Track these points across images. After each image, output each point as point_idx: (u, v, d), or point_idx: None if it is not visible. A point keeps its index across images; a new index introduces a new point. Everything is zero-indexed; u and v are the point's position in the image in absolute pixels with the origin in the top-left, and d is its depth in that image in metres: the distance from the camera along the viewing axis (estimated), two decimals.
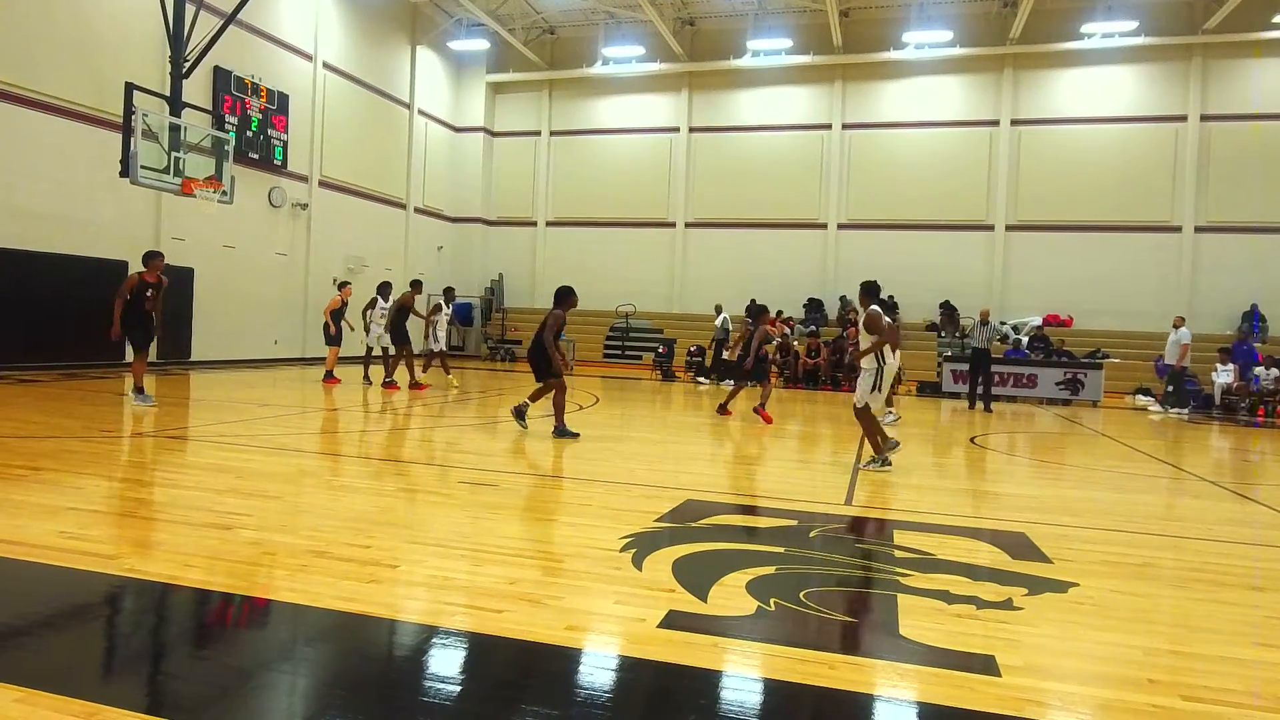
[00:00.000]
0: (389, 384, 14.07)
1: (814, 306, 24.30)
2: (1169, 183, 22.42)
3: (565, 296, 9.16)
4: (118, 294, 10.26)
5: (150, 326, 10.54)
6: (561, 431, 9.08)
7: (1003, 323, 22.21)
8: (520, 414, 9.46)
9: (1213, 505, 6.96)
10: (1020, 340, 21.19)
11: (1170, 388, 16.99)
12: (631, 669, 3.04)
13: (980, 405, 15.65)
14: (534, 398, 9.54)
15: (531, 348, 9.29)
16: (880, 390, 7.82)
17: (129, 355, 11.81)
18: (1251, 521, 6.32)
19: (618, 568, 4.17)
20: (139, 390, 10.36)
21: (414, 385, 13.94)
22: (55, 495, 5.29)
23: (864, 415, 7.88)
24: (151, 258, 10.55)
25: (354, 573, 3.93)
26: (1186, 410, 16.66)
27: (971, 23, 23.51)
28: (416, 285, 14.72)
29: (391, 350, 14.39)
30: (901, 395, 18.40)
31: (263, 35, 19.19)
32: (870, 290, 8.12)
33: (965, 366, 18.57)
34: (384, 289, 14.81)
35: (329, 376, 14.64)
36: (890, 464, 7.69)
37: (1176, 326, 16.78)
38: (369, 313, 14.65)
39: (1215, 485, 8.00)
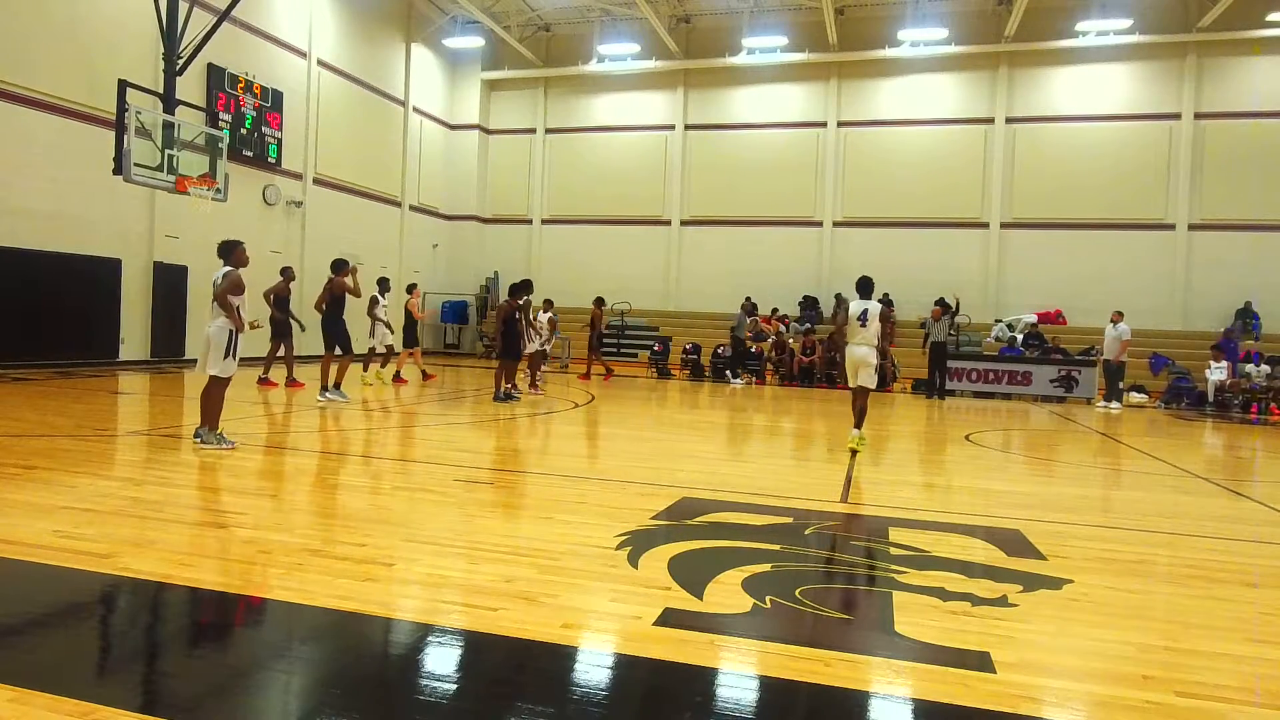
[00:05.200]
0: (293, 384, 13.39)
1: (809, 304, 24.30)
2: (1163, 180, 22.47)
3: (516, 289, 12.80)
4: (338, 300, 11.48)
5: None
6: (498, 397, 12.17)
7: (998, 320, 22.35)
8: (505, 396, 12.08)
9: (1207, 502, 6.98)
10: (1015, 338, 21.25)
11: (1119, 382, 17.16)
12: (627, 667, 3.04)
13: (937, 397, 17.00)
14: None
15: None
16: (233, 356, 7.21)
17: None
18: (1246, 518, 6.34)
19: (613, 565, 4.17)
20: (336, 386, 11.48)
21: (290, 383, 13.21)
22: (49, 494, 5.27)
23: (217, 386, 7.32)
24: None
25: (350, 571, 3.92)
26: (1118, 405, 16.79)
27: (966, 20, 23.52)
28: (287, 272, 13.67)
29: (380, 348, 14.28)
30: (896, 391, 18.47)
31: (257, 32, 19.12)
32: (223, 250, 7.49)
33: (960, 364, 18.81)
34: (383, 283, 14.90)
35: (397, 377, 15.14)
36: (229, 444, 7.15)
37: (1114, 322, 16.81)
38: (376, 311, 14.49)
39: (1209, 482, 8.03)
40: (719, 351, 21.19)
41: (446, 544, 4.50)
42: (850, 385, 9.09)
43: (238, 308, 7.27)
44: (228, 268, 7.37)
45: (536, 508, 5.67)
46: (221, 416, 7.33)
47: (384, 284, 14.44)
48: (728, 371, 20.05)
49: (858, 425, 8.79)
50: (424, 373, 15.61)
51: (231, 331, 7.22)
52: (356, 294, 11.57)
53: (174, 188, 13.57)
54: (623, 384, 15.18)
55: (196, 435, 7.29)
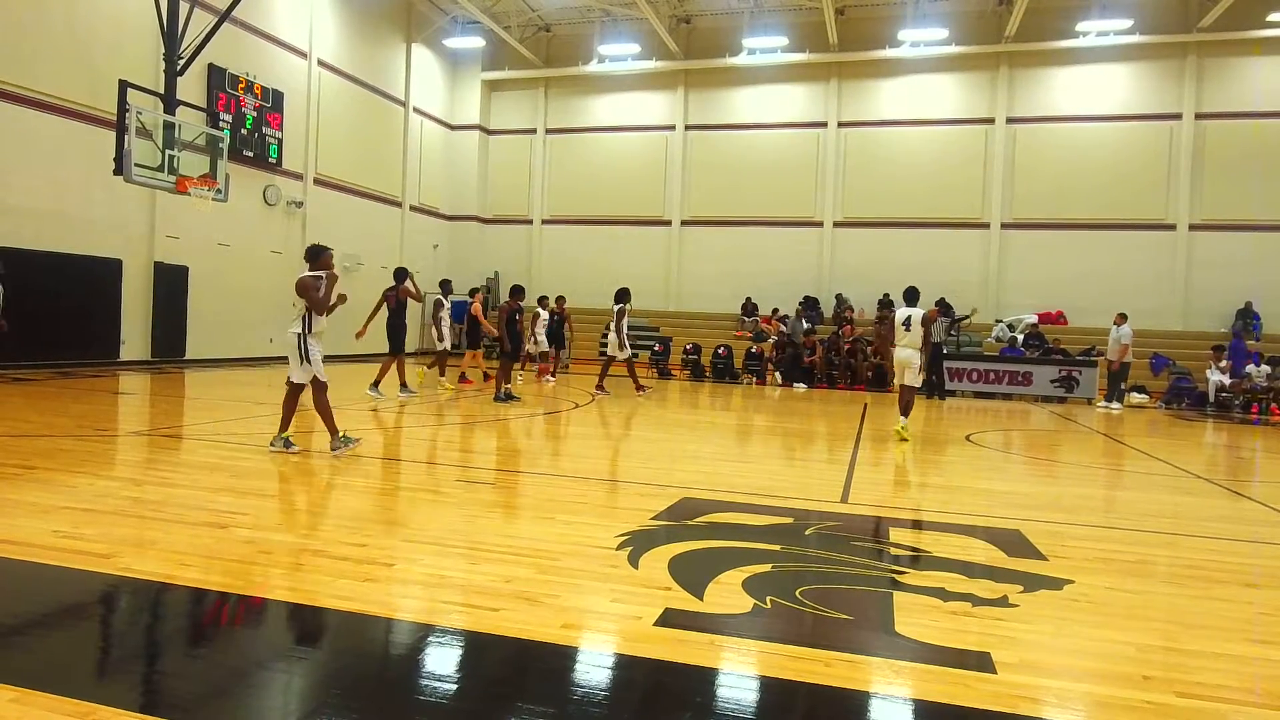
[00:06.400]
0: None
1: (810, 304, 24.29)
2: (1163, 181, 22.46)
3: (516, 291, 13.13)
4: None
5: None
6: (498, 398, 12.18)
7: (998, 320, 22.34)
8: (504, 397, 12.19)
9: (1208, 502, 6.98)
10: (1015, 338, 21.25)
11: (1124, 384, 17.18)
12: (628, 667, 3.04)
13: (937, 397, 17.23)
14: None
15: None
16: (309, 361, 7.06)
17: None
18: (1247, 519, 6.34)
19: (614, 566, 4.17)
20: (404, 386, 12.57)
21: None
22: (49, 494, 5.28)
23: (317, 393, 7.22)
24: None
25: (350, 571, 3.93)
26: (1118, 406, 16.79)
27: (967, 21, 23.52)
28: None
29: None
30: (896, 392, 18.46)
31: (257, 33, 19.12)
32: (311, 254, 7.40)
33: (960, 364, 18.82)
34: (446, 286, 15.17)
35: (485, 377, 15.79)
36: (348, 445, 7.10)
37: (1118, 324, 16.82)
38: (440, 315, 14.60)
39: (1210, 482, 8.03)
40: (719, 352, 21.18)
41: (446, 544, 4.50)
42: (897, 383, 10.27)
43: (309, 313, 7.12)
44: (305, 274, 7.24)
45: (536, 508, 5.67)
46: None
47: (446, 286, 14.78)
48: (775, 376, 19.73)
49: (904, 414, 9.96)
50: (463, 375, 15.66)
51: (299, 335, 7.08)
52: (419, 298, 12.96)
53: (175, 188, 13.58)
54: (623, 384, 15.20)
55: (330, 446, 7.17)
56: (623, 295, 14.41)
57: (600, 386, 14.74)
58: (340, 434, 7.20)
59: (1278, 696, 2.96)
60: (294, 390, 7.34)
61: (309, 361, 7.09)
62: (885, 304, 23.69)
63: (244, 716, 2.60)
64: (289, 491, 5.90)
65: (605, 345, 14.99)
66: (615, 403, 13.74)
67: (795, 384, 19.22)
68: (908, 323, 9.90)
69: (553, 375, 16.99)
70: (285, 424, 7.29)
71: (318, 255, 7.37)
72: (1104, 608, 3.86)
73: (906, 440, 9.70)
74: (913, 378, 9.91)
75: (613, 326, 14.38)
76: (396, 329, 12.55)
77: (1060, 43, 22.69)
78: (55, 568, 3.84)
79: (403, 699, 2.71)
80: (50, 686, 2.63)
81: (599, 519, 5.19)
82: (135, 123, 12.81)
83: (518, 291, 13.27)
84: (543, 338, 16.90)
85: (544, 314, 16.94)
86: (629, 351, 14.62)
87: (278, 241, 20.11)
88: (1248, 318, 21.23)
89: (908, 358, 9.90)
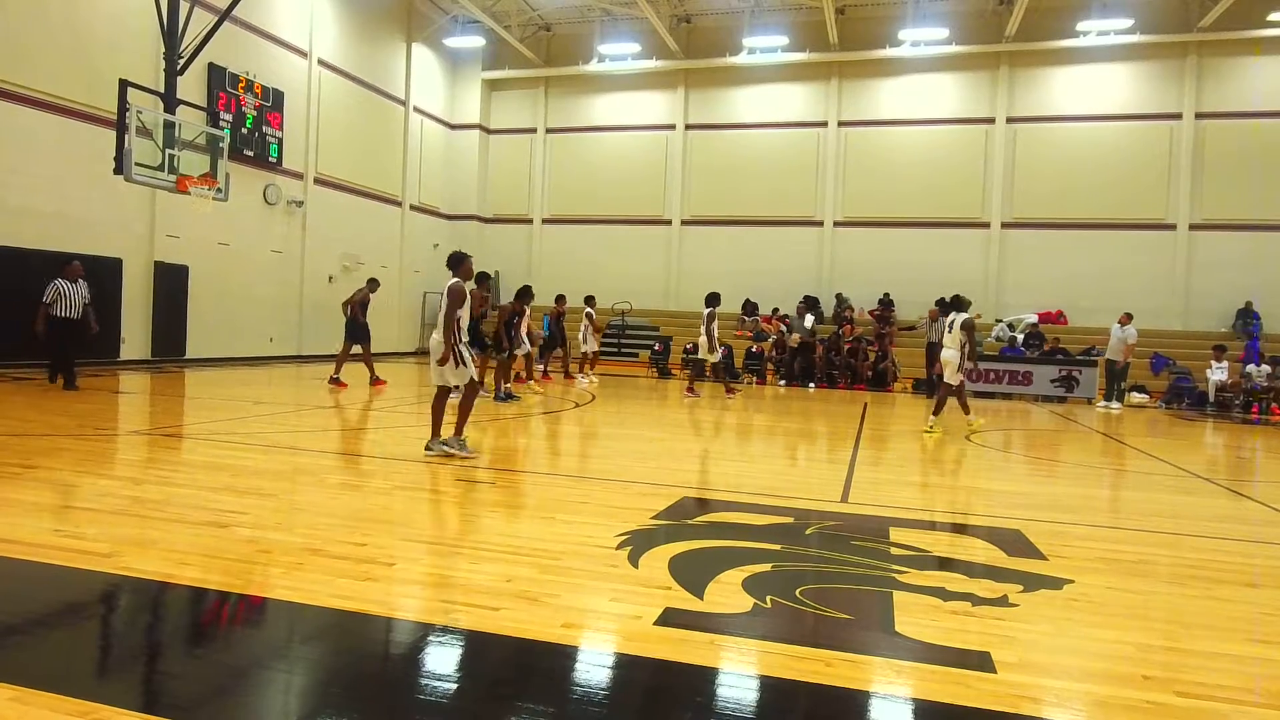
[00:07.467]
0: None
1: (811, 304, 24.25)
2: (1164, 180, 22.45)
3: (521, 294, 13.79)
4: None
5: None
6: (498, 398, 12.41)
7: (999, 320, 22.34)
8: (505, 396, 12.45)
9: (1208, 502, 6.98)
10: (1015, 338, 21.25)
11: (1121, 383, 17.23)
12: (628, 666, 3.04)
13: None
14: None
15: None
16: (464, 364, 7.15)
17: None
18: (1247, 518, 6.34)
19: (614, 565, 4.17)
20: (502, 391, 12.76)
21: (374, 381, 13.90)
22: (50, 493, 5.28)
23: (440, 396, 7.46)
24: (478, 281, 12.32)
25: (350, 570, 3.93)
26: (1118, 405, 16.81)
27: (967, 20, 23.50)
28: (372, 283, 14.48)
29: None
30: (896, 391, 18.46)
31: (258, 32, 19.12)
32: (453, 261, 7.42)
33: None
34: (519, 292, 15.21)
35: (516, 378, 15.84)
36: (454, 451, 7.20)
37: (1122, 324, 16.84)
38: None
39: (1210, 482, 8.03)
40: (688, 349, 21.07)
41: (446, 543, 4.50)
42: (947, 380, 11.06)
43: (458, 319, 7.11)
44: (455, 279, 7.21)
45: (537, 507, 5.67)
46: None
47: (526, 293, 14.68)
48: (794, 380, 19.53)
49: (935, 412, 10.93)
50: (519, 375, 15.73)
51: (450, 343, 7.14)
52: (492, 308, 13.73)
53: (175, 187, 13.58)
54: (623, 384, 15.22)
55: (428, 448, 7.34)
56: (714, 299, 14.40)
57: (690, 389, 14.85)
58: (462, 437, 7.35)
59: (1278, 696, 2.96)
60: (468, 392, 7.34)
61: (464, 364, 7.17)
62: (886, 303, 23.75)
63: (244, 716, 2.60)
64: (288, 491, 5.90)
65: (695, 348, 15.03)
66: (614, 402, 13.74)
67: (805, 383, 19.15)
68: (950, 326, 10.92)
69: (547, 374, 17.07)
70: (459, 428, 7.40)
71: (459, 263, 7.34)
72: (1104, 607, 3.86)
73: (934, 434, 10.55)
74: (951, 374, 10.85)
75: (703, 330, 14.37)
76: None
77: (1060, 42, 22.69)
78: (56, 567, 3.84)
79: (403, 699, 2.71)
80: (51, 686, 2.63)
81: (599, 518, 5.19)
82: (135, 122, 12.80)
83: (524, 294, 13.56)
84: (590, 338, 17.48)
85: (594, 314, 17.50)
86: (719, 355, 14.64)
87: (278, 241, 20.11)
88: (1248, 317, 21.23)
89: (949, 357, 10.90)
